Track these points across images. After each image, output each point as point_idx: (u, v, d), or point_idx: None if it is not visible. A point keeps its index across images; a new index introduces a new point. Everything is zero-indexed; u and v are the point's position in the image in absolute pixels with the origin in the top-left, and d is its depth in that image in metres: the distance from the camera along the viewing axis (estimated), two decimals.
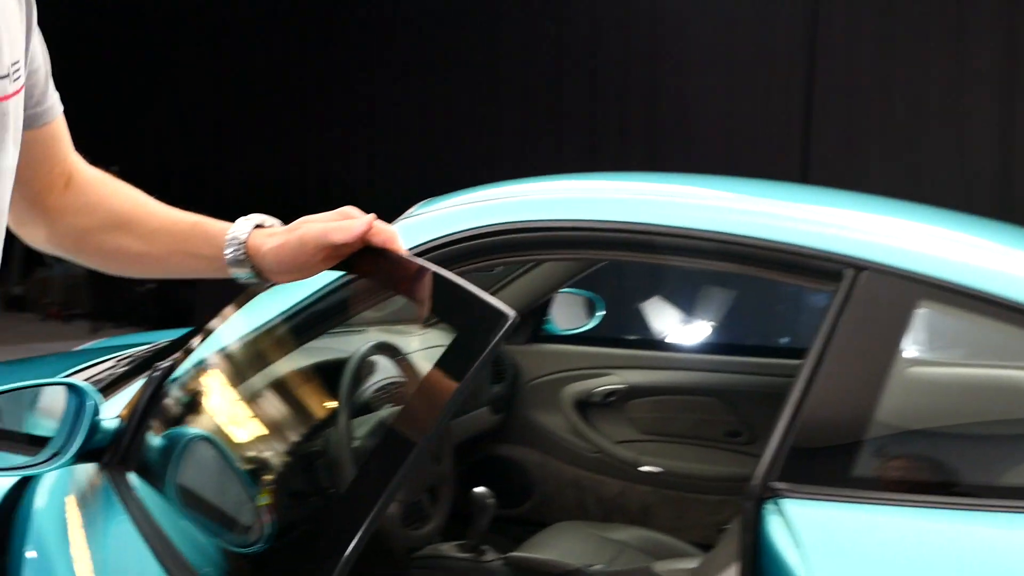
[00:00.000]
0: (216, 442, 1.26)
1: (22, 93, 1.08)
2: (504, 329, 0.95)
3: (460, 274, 1.72)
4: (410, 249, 1.69)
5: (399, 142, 9.05)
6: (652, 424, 2.97)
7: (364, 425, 2.27)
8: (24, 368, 2.76)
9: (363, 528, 0.96)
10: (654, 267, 6.18)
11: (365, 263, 1.21)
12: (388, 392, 2.56)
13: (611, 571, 2.32)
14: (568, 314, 3.24)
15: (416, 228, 1.75)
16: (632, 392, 2.98)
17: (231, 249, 1.23)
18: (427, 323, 1.12)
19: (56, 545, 1.57)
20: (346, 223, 1.20)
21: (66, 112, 1.27)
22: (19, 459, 1.45)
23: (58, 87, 1.24)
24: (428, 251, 1.68)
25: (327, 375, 2.29)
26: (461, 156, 8.32)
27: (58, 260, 7.26)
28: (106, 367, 2.19)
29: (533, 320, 3.18)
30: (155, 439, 1.42)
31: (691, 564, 2.23)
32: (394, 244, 1.21)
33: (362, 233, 1.19)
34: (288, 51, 9.80)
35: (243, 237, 1.23)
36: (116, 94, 10.90)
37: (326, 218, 1.22)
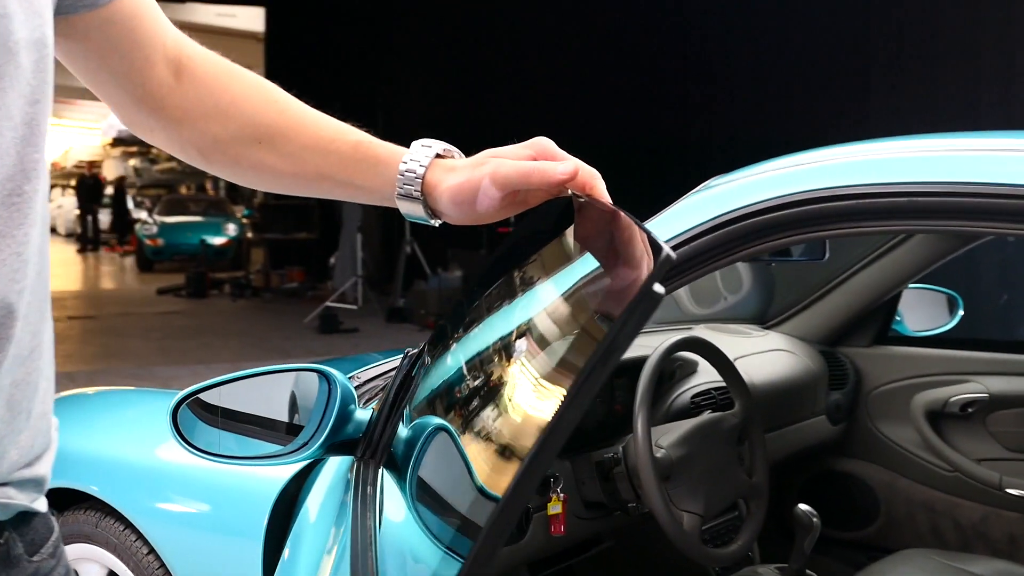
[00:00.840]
0: (457, 438, 1.11)
1: None
2: (659, 265, 0.70)
3: (759, 252, 1.49)
4: (704, 223, 1.47)
5: (712, 118, 8.81)
6: (1021, 440, 2.58)
7: (669, 434, 2.06)
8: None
9: (486, 528, 0.74)
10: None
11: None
12: (713, 399, 2.33)
13: None
14: (921, 313, 2.90)
15: (712, 200, 1.52)
16: (996, 402, 2.60)
17: (403, 182, 1.04)
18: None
19: (310, 542, 1.50)
20: (547, 167, 0.98)
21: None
22: (271, 447, 1.38)
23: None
24: (725, 224, 1.45)
25: (620, 372, 2.11)
26: (763, 133, 7.80)
27: (435, 274, 7.68)
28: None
29: (878, 320, 2.86)
30: (402, 430, 1.30)
31: None
32: (595, 189, 0.98)
33: (566, 181, 0.97)
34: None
35: (420, 171, 1.04)
36: None
37: (517, 154, 1.01)
